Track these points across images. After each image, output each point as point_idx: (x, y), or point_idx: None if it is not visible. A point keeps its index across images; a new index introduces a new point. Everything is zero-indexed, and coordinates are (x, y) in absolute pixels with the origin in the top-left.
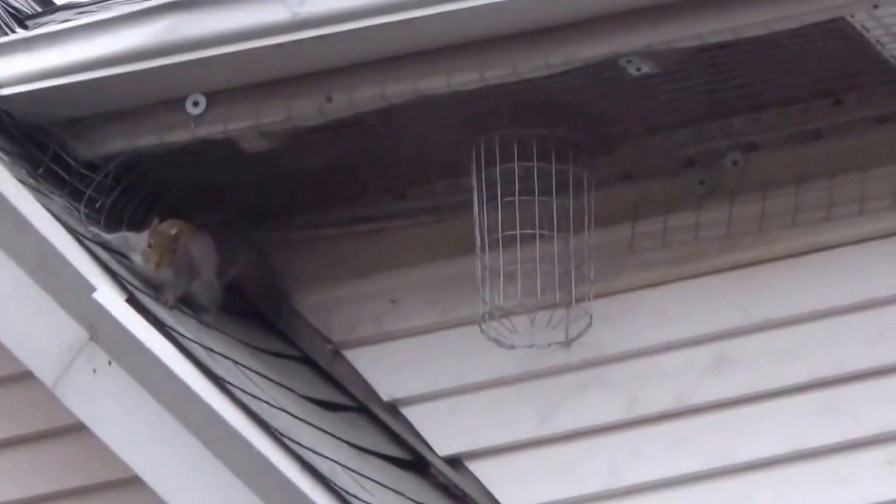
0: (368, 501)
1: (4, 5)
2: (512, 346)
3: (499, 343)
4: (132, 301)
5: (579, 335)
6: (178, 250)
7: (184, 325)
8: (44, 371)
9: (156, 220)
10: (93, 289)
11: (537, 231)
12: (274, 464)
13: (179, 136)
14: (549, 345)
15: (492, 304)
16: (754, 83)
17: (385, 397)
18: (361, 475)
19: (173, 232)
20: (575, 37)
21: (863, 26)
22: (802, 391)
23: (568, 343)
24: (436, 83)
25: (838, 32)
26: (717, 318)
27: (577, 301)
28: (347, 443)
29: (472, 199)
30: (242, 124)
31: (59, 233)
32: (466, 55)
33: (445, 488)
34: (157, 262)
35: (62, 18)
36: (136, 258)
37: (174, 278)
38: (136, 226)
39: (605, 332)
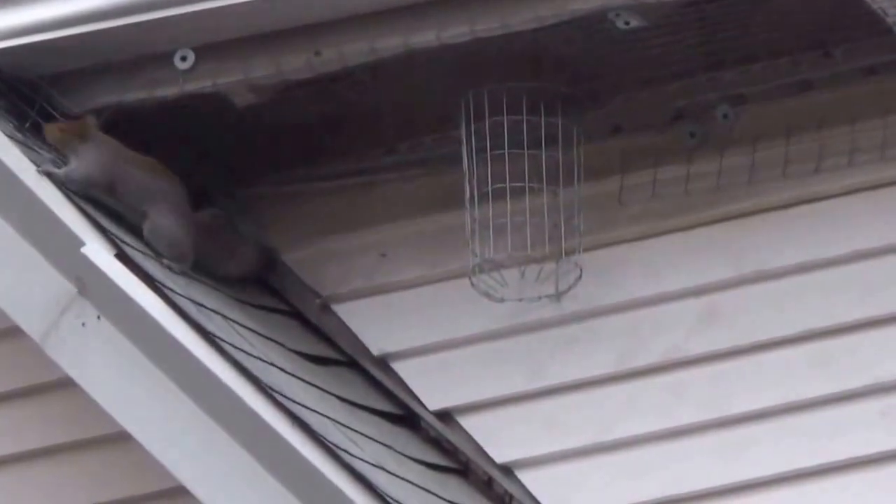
0: (359, 456)
1: None
2: (502, 300)
3: (489, 296)
4: (121, 256)
5: (569, 288)
6: (117, 171)
7: (173, 281)
8: (32, 326)
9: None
10: (81, 243)
11: (527, 184)
12: (265, 419)
13: (168, 90)
14: (539, 298)
15: (482, 258)
16: (743, 36)
17: (375, 351)
18: (352, 429)
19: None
20: None
21: None
22: (794, 343)
23: (558, 296)
24: (425, 37)
25: None
26: (708, 271)
27: (567, 254)
28: (337, 397)
29: (461, 153)
30: (231, 79)
31: (47, 187)
32: (456, 8)
33: (436, 442)
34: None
35: None
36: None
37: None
38: None
39: (596, 286)
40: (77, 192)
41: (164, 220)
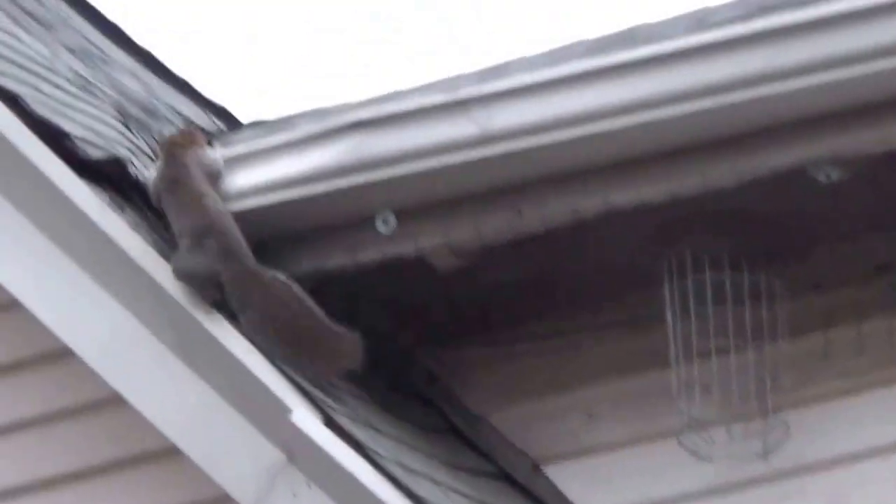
0: None
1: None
2: (710, 458)
3: (697, 455)
4: (329, 423)
5: (777, 445)
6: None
7: (381, 445)
8: (243, 495)
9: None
10: (290, 411)
11: (731, 341)
12: None
13: (370, 254)
14: (747, 456)
15: (689, 416)
16: None
17: None
18: None
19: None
20: (764, 145)
21: None
22: None
23: (766, 454)
24: (626, 196)
25: None
26: None
27: (774, 411)
28: None
29: (664, 311)
30: (432, 242)
31: (254, 355)
32: (656, 167)
33: None
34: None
35: (248, 138)
36: None
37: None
38: None
39: (803, 442)
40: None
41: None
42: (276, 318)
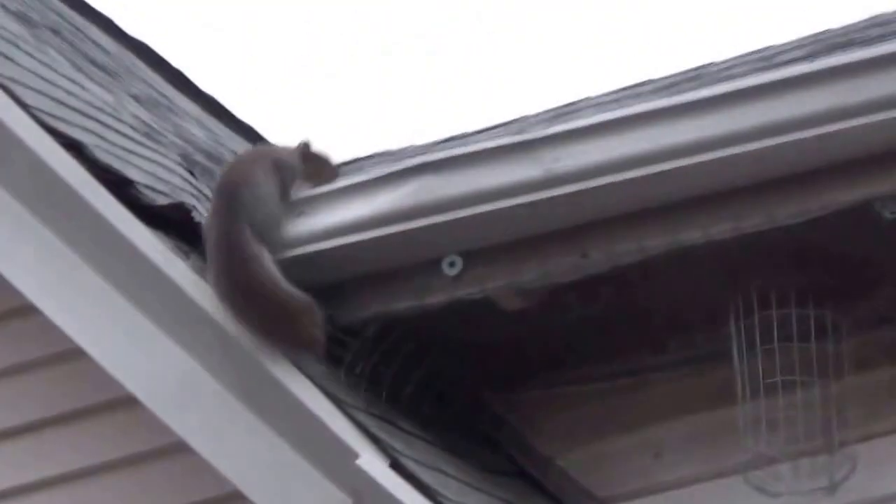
0: None
1: None
2: (777, 495)
3: (764, 491)
4: (396, 466)
5: (843, 480)
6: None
7: (448, 489)
8: None
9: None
10: (356, 455)
11: (798, 377)
12: None
13: (437, 297)
14: (814, 491)
15: (755, 453)
16: None
17: None
18: None
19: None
20: (829, 182)
21: None
22: None
23: (832, 489)
24: (693, 234)
25: None
26: None
27: (840, 446)
28: None
29: (730, 349)
30: (498, 283)
31: (321, 400)
32: (722, 205)
33: None
34: None
35: None
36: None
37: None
38: (396, 391)
39: (870, 477)
40: None
41: None
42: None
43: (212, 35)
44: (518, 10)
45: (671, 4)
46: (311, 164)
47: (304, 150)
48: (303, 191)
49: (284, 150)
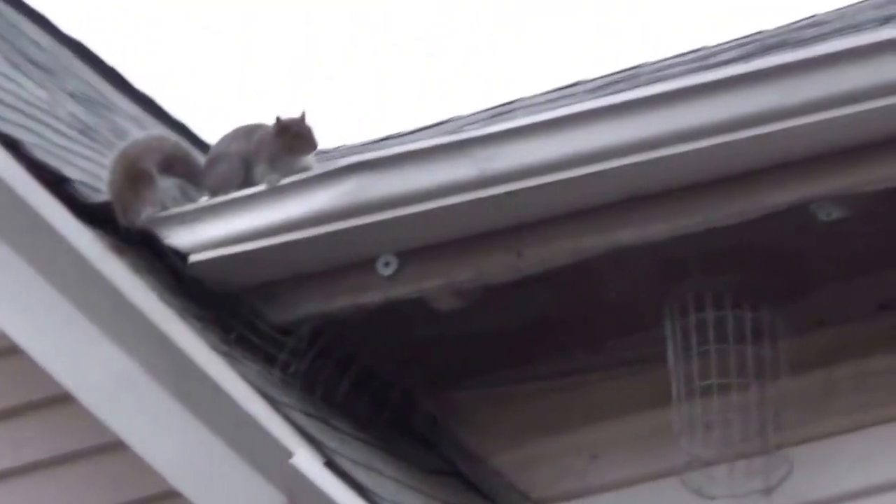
0: None
1: None
2: (712, 497)
3: (700, 494)
4: (330, 465)
5: (779, 483)
6: None
7: (382, 487)
8: None
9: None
10: (290, 454)
11: (734, 380)
12: None
13: (372, 297)
14: (750, 493)
15: (691, 454)
16: None
17: None
18: None
19: None
20: (765, 183)
21: None
22: None
23: (768, 491)
24: (628, 235)
25: None
26: None
27: (777, 448)
28: None
29: (666, 350)
30: (434, 283)
31: (255, 399)
32: (657, 206)
33: None
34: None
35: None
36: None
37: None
38: (331, 391)
39: (805, 479)
40: None
41: None
42: None
43: (211, 37)
44: (517, 12)
45: (671, 4)
46: (287, 137)
47: (279, 124)
48: (266, 177)
49: (261, 126)
